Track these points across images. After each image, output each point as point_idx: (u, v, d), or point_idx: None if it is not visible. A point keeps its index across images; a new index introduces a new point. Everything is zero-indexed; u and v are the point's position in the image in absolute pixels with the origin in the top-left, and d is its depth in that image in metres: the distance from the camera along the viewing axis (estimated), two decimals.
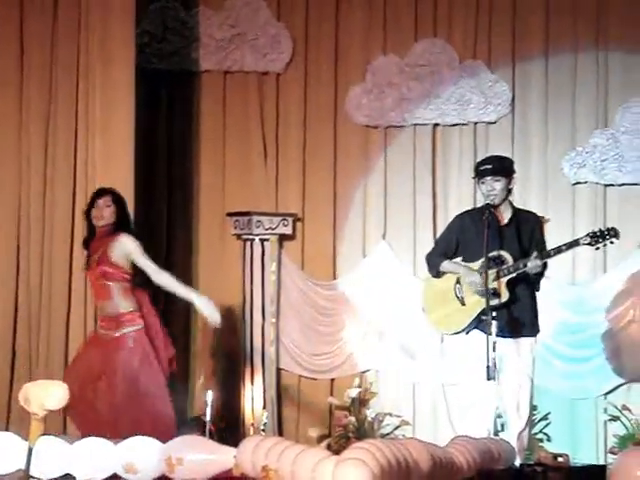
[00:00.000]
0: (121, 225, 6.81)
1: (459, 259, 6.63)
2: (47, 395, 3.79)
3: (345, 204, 8.77)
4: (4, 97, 7.92)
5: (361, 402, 8.11)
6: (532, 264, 6.33)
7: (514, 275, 6.39)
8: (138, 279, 6.77)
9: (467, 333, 6.53)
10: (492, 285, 6.32)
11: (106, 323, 6.75)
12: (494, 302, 6.26)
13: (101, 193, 6.90)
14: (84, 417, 6.67)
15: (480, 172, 6.58)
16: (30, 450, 3.72)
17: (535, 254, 6.37)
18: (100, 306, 6.86)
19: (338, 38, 8.77)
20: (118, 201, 6.86)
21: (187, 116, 8.82)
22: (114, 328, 6.71)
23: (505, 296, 6.37)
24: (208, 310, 6.70)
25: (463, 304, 6.52)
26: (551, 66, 8.56)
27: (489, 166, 6.58)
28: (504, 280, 6.37)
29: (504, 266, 6.38)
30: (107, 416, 6.61)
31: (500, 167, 6.58)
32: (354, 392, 8.19)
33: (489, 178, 6.52)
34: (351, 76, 8.78)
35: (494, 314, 6.25)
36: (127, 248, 6.71)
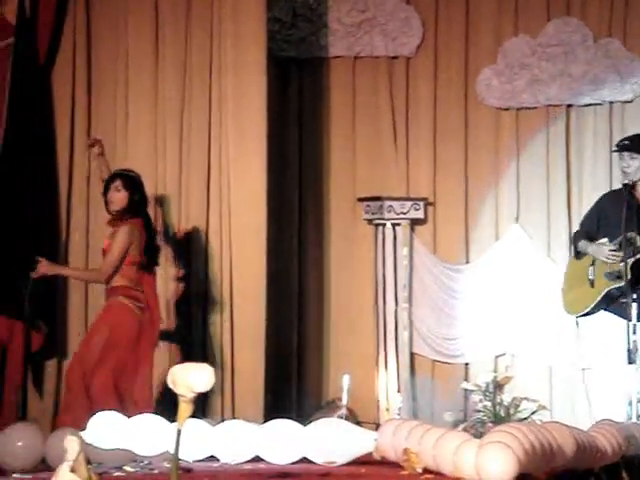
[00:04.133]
0: (129, 211, 6.95)
1: (605, 239, 6.56)
2: (194, 377, 3.83)
3: (477, 187, 8.69)
4: (140, 82, 8.07)
5: (496, 386, 8.03)
6: None
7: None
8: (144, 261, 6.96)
9: (592, 314, 6.49)
10: (618, 267, 6.26)
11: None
12: (618, 284, 6.20)
13: (113, 177, 7.06)
14: None
15: (619, 147, 6.51)
16: (179, 432, 3.75)
17: None
18: None
19: (468, 20, 8.67)
20: (129, 185, 6.98)
21: (317, 102, 8.84)
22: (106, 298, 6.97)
23: (628, 277, 6.28)
24: None
25: (592, 286, 6.47)
26: None
27: (627, 142, 6.51)
28: (630, 261, 6.29)
29: (634, 247, 6.31)
30: None
31: (638, 144, 6.49)
32: (489, 376, 8.10)
33: (626, 154, 6.46)
34: (482, 58, 8.68)
35: (634, 296, 6.19)
36: (118, 236, 6.87)
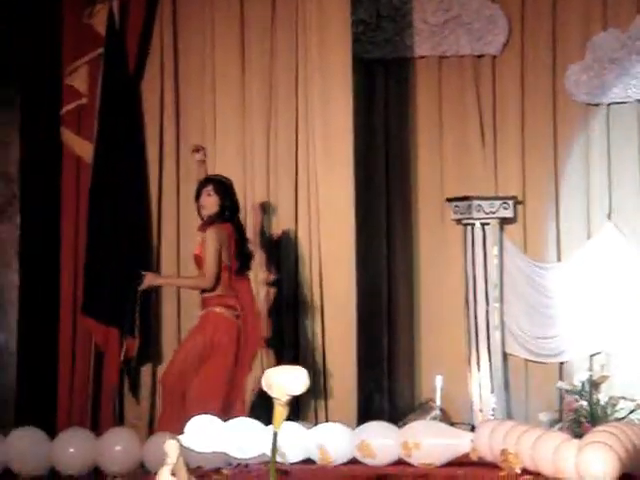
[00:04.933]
0: (220, 216, 6.94)
1: None
2: (289, 380, 3.84)
3: (567, 184, 8.57)
4: (227, 87, 8.14)
5: (593, 386, 7.92)
6: None
7: None
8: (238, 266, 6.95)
9: None
10: None
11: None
12: None
13: (205, 182, 7.07)
14: None
15: None
16: (276, 435, 3.76)
17: None
18: None
19: (555, 15, 8.56)
20: (220, 190, 6.98)
21: (403, 103, 8.81)
22: (201, 308, 6.94)
23: None
24: None
25: None
26: None
27: None
28: None
29: None
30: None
31: None
32: (584, 376, 8.00)
33: None
34: (570, 54, 8.56)
35: None
36: (207, 241, 6.84)
